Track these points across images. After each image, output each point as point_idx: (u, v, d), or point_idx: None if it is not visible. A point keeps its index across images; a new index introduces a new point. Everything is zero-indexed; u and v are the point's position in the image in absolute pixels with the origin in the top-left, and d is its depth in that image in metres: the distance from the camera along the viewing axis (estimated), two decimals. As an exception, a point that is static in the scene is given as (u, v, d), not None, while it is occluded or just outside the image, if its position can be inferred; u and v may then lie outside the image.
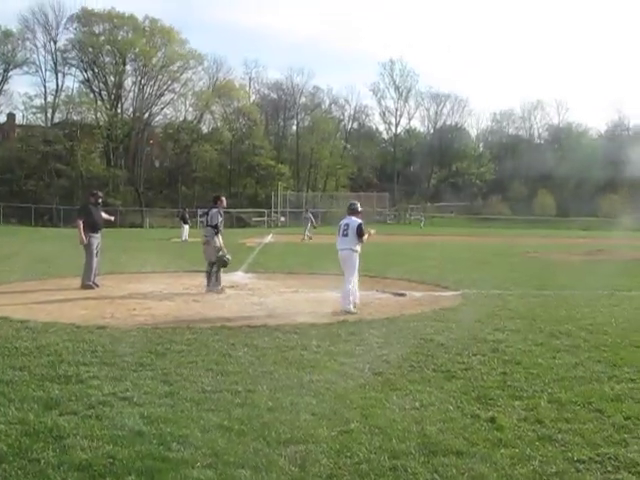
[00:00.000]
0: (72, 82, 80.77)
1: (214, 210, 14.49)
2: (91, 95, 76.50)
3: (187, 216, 39.86)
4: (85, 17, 74.52)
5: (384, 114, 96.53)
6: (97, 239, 14.80)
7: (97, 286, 14.43)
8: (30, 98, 74.59)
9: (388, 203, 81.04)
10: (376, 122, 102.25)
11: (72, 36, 75.11)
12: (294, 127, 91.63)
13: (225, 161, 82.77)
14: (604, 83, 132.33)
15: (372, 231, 12.60)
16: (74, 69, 76.71)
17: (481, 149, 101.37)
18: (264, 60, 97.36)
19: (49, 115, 75.68)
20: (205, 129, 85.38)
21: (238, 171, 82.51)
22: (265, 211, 71.01)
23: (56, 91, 75.47)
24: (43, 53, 75.21)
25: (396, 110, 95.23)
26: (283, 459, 4.72)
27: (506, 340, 8.99)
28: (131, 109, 78.76)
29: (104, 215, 15.50)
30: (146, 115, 77.92)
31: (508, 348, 8.46)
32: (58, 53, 75.11)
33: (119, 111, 77.92)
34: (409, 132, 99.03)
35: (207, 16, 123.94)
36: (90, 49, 73.97)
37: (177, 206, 65.76)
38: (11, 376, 6.74)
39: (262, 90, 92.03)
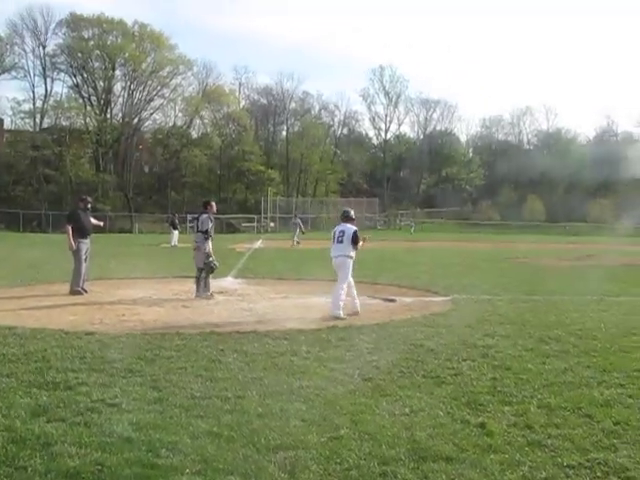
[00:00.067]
0: (61, 87, 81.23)
1: (204, 216, 14.43)
2: (80, 100, 76.35)
3: (177, 222, 39.82)
4: (74, 22, 74.36)
5: (374, 120, 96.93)
6: (86, 245, 14.74)
7: (86, 292, 14.35)
8: (18, 103, 74.48)
9: (378, 209, 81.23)
10: (366, 128, 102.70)
11: (61, 41, 75.16)
12: (284, 132, 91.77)
13: (215, 166, 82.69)
14: (593, 89, 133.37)
15: (367, 236, 12.70)
16: (63, 74, 76.61)
17: (471, 155, 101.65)
18: (254, 65, 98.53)
19: (38, 120, 75.49)
20: (195, 134, 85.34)
21: (228, 176, 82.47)
22: (255, 217, 70.98)
23: (45, 96, 75.41)
24: (32, 58, 75.10)
25: (386, 116, 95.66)
26: (273, 465, 4.70)
27: (496, 345, 9.00)
28: (120, 114, 78.67)
29: (93, 221, 15.43)
30: (135, 120, 77.79)
31: (498, 353, 8.47)
32: (47, 58, 75.03)
33: (108, 116, 77.75)
34: (399, 138, 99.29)
35: (196, 21, 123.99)
36: (79, 54, 73.77)
37: (167, 211, 65.53)
38: (-2, 383, 6.68)
39: (252, 95, 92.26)
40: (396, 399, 6.35)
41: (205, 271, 14.10)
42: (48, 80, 75.54)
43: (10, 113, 75.66)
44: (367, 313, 12.06)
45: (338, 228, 12.29)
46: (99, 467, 4.61)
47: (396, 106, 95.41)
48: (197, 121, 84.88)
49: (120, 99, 78.30)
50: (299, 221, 41.00)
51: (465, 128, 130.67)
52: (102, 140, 74.32)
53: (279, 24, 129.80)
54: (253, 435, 5.27)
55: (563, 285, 17.60)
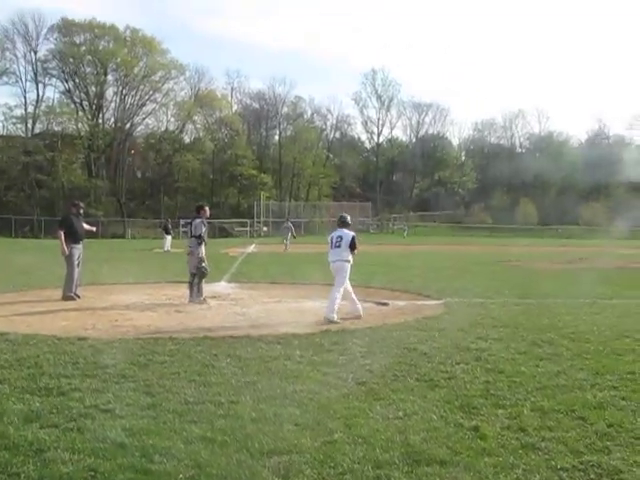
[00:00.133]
0: (53, 92, 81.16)
1: (197, 220, 14.39)
2: (72, 105, 76.37)
3: (169, 227, 39.76)
4: (66, 27, 74.40)
5: (366, 123, 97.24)
6: (78, 250, 14.70)
7: (78, 297, 14.31)
8: (10, 108, 74.53)
9: (371, 212, 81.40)
10: (358, 131, 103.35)
11: (52, 46, 75.26)
12: (276, 137, 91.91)
13: (207, 171, 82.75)
14: (585, 92, 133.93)
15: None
16: (55, 79, 76.73)
17: (463, 158, 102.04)
18: (246, 70, 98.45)
19: (29, 125, 75.44)
20: (187, 139, 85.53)
21: (220, 181, 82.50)
22: (248, 221, 71.03)
23: (36, 101, 75.40)
24: (23, 63, 75.16)
25: (378, 119, 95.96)
26: (266, 470, 4.69)
27: (489, 349, 9.00)
28: (112, 119, 78.78)
29: (85, 226, 15.39)
30: (128, 125, 77.83)
31: (491, 357, 8.47)
32: (38, 63, 75.11)
33: (100, 121, 77.82)
34: (391, 141, 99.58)
35: (188, 26, 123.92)
36: (71, 59, 73.81)
37: (159, 216, 65.60)
38: (-9, 389, 6.65)
39: (244, 100, 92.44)
40: (390, 403, 6.35)
41: (197, 276, 14.07)
42: (40, 85, 75.75)
43: (2, 119, 75.97)
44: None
45: (335, 233, 12.35)
46: (92, 473, 4.59)
47: (388, 110, 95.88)
48: (189, 126, 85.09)
49: (112, 104, 78.51)
50: (290, 225, 40.99)
51: (457, 132, 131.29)
52: (94, 145, 74.27)
53: (271, 29, 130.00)
54: (247, 440, 5.25)
55: (556, 288, 17.63)
